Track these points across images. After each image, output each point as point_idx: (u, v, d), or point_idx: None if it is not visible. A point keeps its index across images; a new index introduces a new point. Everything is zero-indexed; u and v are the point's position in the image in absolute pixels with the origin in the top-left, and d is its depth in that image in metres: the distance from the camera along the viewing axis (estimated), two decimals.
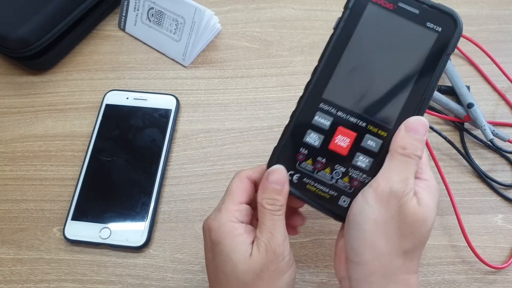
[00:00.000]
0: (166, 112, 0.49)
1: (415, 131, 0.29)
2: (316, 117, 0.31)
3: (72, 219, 0.44)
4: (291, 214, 0.35)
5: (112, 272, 0.42)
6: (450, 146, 0.46)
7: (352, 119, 0.31)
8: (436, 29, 0.30)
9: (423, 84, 0.30)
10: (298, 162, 0.31)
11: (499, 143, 0.46)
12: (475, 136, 0.48)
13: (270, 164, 0.31)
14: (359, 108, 0.31)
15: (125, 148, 0.47)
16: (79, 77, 0.53)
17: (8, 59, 0.54)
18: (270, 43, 0.55)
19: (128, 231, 0.43)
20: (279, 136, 0.32)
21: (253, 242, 0.29)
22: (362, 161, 0.31)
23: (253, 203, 0.31)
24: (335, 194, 0.31)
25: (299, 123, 0.32)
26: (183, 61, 0.53)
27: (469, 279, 0.42)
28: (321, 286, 0.41)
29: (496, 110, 0.50)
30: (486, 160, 0.47)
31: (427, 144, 0.43)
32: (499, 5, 0.57)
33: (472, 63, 0.53)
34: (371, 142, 0.31)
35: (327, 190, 0.31)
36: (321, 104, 0.31)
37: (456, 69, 0.51)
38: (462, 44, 0.53)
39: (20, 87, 0.53)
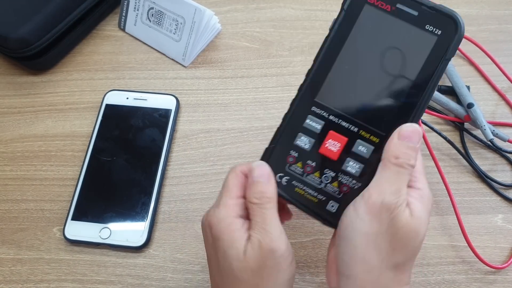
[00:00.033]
0: (166, 112, 0.49)
1: (408, 139, 0.29)
2: (307, 120, 0.31)
3: (72, 219, 0.44)
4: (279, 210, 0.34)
5: (112, 272, 0.42)
6: (450, 146, 0.46)
7: (344, 124, 0.30)
8: (436, 32, 0.29)
9: (419, 90, 0.29)
10: (288, 164, 0.31)
11: (499, 143, 0.46)
12: (475, 136, 0.48)
13: None
14: (351, 112, 0.30)
15: (125, 148, 0.47)
16: (79, 77, 0.53)
17: (8, 59, 0.54)
18: (270, 43, 0.55)
19: (128, 231, 0.43)
20: None
21: (249, 239, 0.29)
22: (352, 166, 0.30)
23: None
24: (324, 198, 0.31)
25: (290, 125, 0.31)
26: (183, 61, 0.53)
27: (469, 279, 0.42)
28: (321, 286, 0.41)
29: (496, 110, 0.50)
30: (486, 160, 0.47)
31: (427, 144, 0.43)
32: (499, 5, 0.57)
33: (472, 63, 0.53)
34: (362, 148, 0.30)
35: (315, 194, 0.31)
36: (313, 107, 0.31)
37: (456, 69, 0.51)
38: (462, 44, 0.52)
39: (20, 87, 0.53)
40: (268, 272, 0.28)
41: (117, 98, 0.50)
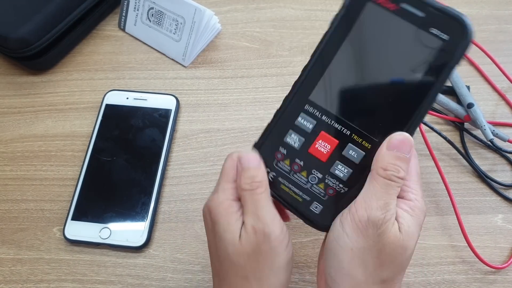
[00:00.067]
0: (166, 112, 0.49)
1: (398, 149, 0.27)
2: (299, 118, 0.30)
3: (72, 219, 0.44)
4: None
5: (112, 272, 0.42)
6: (450, 146, 0.46)
7: (337, 126, 0.29)
8: (441, 36, 0.27)
9: (418, 98, 0.28)
10: (275, 161, 0.31)
11: (499, 143, 0.46)
12: (475, 136, 0.48)
13: None
14: (345, 114, 0.29)
15: (125, 148, 0.47)
16: (79, 77, 0.53)
17: (8, 59, 0.54)
18: (270, 43, 0.55)
19: (128, 231, 0.43)
20: None
21: (243, 225, 0.29)
22: (340, 170, 0.29)
23: None
24: (308, 198, 0.30)
25: (281, 122, 0.31)
26: (183, 61, 0.53)
27: (469, 279, 0.42)
28: None
29: (496, 110, 0.50)
30: (486, 160, 0.47)
31: (427, 144, 0.44)
32: (499, 5, 0.57)
33: (472, 63, 0.53)
34: (352, 152, 0.29)
35: (300, 193, 0.30)
36: (306, 106, 0.30)
37: (456, 69, 0.50)
38: None
39: (20, 87, 0.53)
40: (264, 257, 0.28)
41: (117, 98, 0.50)
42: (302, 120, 0.30)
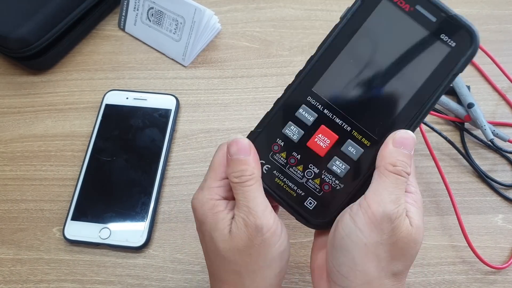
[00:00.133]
0: (166, 112, 0.49)
1: (404, 147, 0.28)
2: (300, 110, 0.30)
3: (72, 219, 0.44)
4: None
5: (112, 272, 0.42)
6: (450, 146, 0.46)
7: (338, 120, 0.29)
8: (450, 43, 0.28)
9: (421, 100, 0.28)
10: (271, 152, 0.30)
11: (499, 143, 0.46)
12: (475, 136, 0.48)
13: None
14: (347, 110, 0.29)
15: (125, 148, 0.47)
16: (79, 77, 0.53)
17: (8, 59, 0.54)
18: (270, 43, 0.55)
19: (128, 231, 0.43)
20: None
21: (233, 218, 0.28)
22: (338, 166, 0.29)
23: None
24: (303, 194, 0.30)
25: (281, 112, 0.30)
26: (183, 61, 0.53)
27: (469, 279, 0.42)
28: None
29: (496, 110, 0.50)
30: (486, 160, 0.47)
31: (427, 144, 0.43)
32: (499, 5, 0.57)
33: (472, 63, 0.53)
34: (351, 149, 0.29)
35: (295, 188, 0.30)
36: (309, 97, 0.30)
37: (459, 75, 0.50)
38: None
39: (20, 87, 0.53)
40: (256, 250, 0.28)
41: (117, 98, 0.50)
42: (303, 112, 0.30)
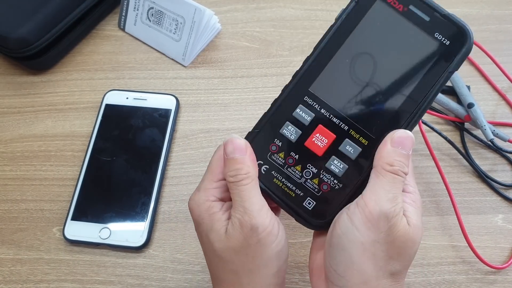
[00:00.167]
0: (166, 112, 0.49)
1: (402, 146, 0.28)
2: (297, 110, 0.30)
3: (72, 219, 0.44)
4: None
5: (112, 272, 0.42)
6: (450, 146, 0.46)
7: (335, 120, 0.29)
8: (444, 41, 0.28)
9: (417, 99, 0.28)
10: (269, 153, 0.30)
11: (499, 143, 0.46)
12: (475, 136, 0.48)
13: None
14: (344, 109, 0.29)
15: (125, 148, 0.47)
16: (79, 77, 0.53)
17: (8, 59, 0.54)
18: (270, 43, 0.55)
19: (128, 231, 0.43)
20: None
21: (229, 219, 0.28)
22: (336, 165, 0.29)
23: None
24: (302, 194, 0.30)
25: (278, 112, 0.30)
26: (183, 61, 0.53)
27: (469, 279, 0.42)
28: None
29: (496, 110, 0.50)
30: (486, 160, 0.47)
31: (427, 144, 0.43)
32: (499, 5, 0.57)
33: (472, 63, 0.53)
34: (349, 148, 0.29)
35: (294, 188, 0.30)
36: (305, 97, 0.30)
37: (455, 73, 0.50)
38: None
39: (20, 87, 0.53)
40: (252, 250, 0.28)
41: (117, 98, 0.50)
42: (300, 112, 0.30)
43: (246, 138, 0.30)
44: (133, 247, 0.42)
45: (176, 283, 0.42)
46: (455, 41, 0.28)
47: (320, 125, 0.30)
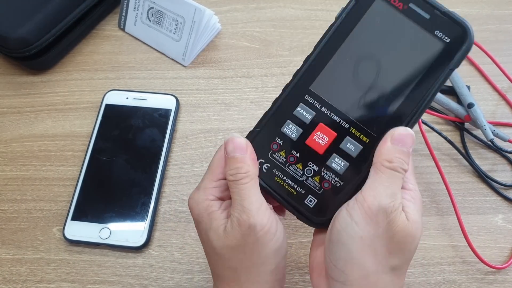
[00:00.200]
0: (166, 112, 0.49)
1: (402, 144, 0.28)
2: (298, 109, 0.30)
3: (72, 219, 0.44)
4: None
5: (112, 272, 0.42)
6: (450, 146, 0.46)
7: (336, 118, 0.30)
8: (444, 39, 0.28)
9: (418, 96, 0.28)
10: (271, 151, 0.30)
11: (499, 143, 0.46)
12: (475, 136, 0.48)
13: None
14: (345, 107, 0.29)
15: (125, 148, 0.47)
16: (79, 77, 0.53)
17: (8, 59, 0.54)
18: (270, 43, 0.55)
19: (128, 231, 0.43)
20: None
21: (228, 217, 0.29)
22: (337, 163, 0.29)
23: None
24: (303, 192, 0.30)
25: (279, 111, 0.30)
26: (183, 61, 0.53)
27: (469, 279, 0.42)
28: None
29: (496, 110, 0.50)
30: (486, 160, 0.47)
31: (427, 144, 0.43)
32: (499, 5, 0.57)
33: (472, 63, 0.53)
34: (350, 146, 0.29)
35: (295, 186, 0.30)
36: (306, 96, 0.30)
37: (456, 69, 0.50)
38: None
39: (20, 87, 0.53)
40: (250, 248, 0.28)
41: (117, 98, 0.50)
42: (301, 111, 0.30)
43: (247, 137, 0.31)
44: (133, 247, 0.42)
45: (176, 283, 0.42)
46: (455, 38, 0.28)
47: (321, 124, 0.30)
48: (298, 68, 0.30)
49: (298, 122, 0.30)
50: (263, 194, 0.30)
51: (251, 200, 0.28)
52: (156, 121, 0.49)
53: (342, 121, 0.30)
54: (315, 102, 0.30)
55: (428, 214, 0.44)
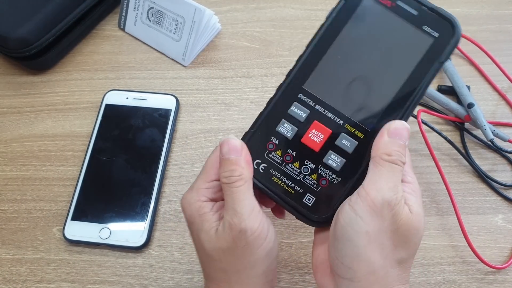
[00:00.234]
0: (166, 112, 0.49)
1: (399, 137, 0.28)
2: (292, 107, 0.30)
3: (72, 219, 0.44)
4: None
5: (112, 272, 0.42)
6: (450, 146, 0.46)
7: (330, 115, 0.30)
8: (433, 34, 0.29)
9: (410, 90, 0.29)
10: (267, 151, 0.30)
11: (499, 143, 0.46)
12: (475, 136, 0.48)
13: None
14: (338, 104, 0.30)
15: (125, 148, 0.47)
16: (79, 77, 0.53)
17: (8, 59, 0.54)
18: (270, 43, 0.55)
19: (128, 231, 0.43)
20: None
21: (220, 219, 0.29)
22: (333, 160, 0.30)
23: None
24: (301, 190, 0.30)
25: (274, 110, 0.30)
26: (183, 61, 0.53)
27: (469, 279, 0.42)
28: None
29: (496, 110, 0.50)
30: (486, 160, 0.47)
31: (427, 144, 0.43)
32: (499, 5, 0.57)
33: (472, 63, 0.53)
34: (345, 142, 0.30)
35: (293, 185, 0.30)
36: (300, 95, 0.30)
37: (456, 69, 0.50)
38: (462, 44, 0.53)
39: (20, 87, 0.53)
40: (241, 252, 0.28)
41: (117, 98, 0.50)
42: (296, 109, 0.30)
43: (243, 138, 0.31)
44: (133, 247, 0.42)
45: (176, 283, 0.42)
46: (443, 32, 0.29)
47: (315, 121, 0.30)
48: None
49: (293, 120, 0.30)
50: (261, 195, 0.30)
51: (243, 204, 0.28)
52: (156, 121, 0.49)
53: (336, 118, 0.30)
54: (309, 100, 0.30)
55: (428, 214, 0.44)
